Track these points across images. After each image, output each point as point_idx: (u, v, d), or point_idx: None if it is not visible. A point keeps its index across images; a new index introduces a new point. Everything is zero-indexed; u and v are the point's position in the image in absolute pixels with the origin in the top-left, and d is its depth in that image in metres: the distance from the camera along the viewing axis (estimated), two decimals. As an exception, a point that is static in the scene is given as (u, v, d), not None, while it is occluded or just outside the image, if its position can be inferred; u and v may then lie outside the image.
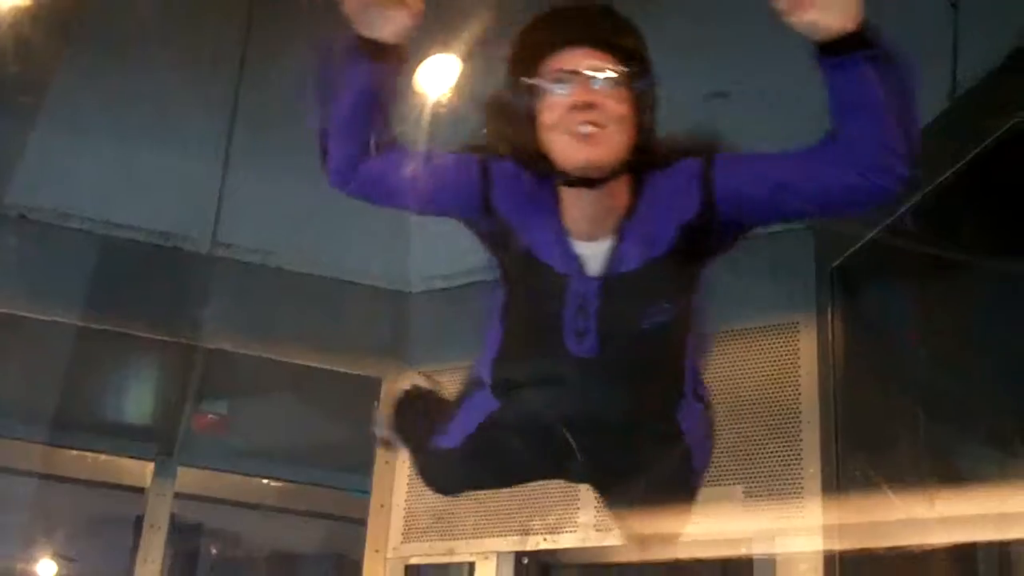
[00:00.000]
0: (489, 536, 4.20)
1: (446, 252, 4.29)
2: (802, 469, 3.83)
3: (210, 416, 5.15)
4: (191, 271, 4.63)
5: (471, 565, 4.23)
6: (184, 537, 5.96)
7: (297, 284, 4.71)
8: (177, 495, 5.40)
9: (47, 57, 3.78)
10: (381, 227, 4.04)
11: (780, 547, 3.76)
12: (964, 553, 3.65)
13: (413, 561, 4.37)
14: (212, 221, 4.52)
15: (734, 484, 3.94)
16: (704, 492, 3.82)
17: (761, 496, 3.87)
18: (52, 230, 4.63)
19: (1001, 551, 3.64)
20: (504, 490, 4.20)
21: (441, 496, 4.30)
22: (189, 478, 5.47)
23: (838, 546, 3.70)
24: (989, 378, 3.63)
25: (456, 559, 4.27)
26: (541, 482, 4.13)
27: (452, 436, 2.46)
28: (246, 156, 4.27)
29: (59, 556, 6.83)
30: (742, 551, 3.82)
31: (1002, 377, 3.56)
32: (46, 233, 4.63)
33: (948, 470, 3.75)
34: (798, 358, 3.92)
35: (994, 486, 3.70)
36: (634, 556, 4.04)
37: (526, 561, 4.14)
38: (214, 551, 6.32)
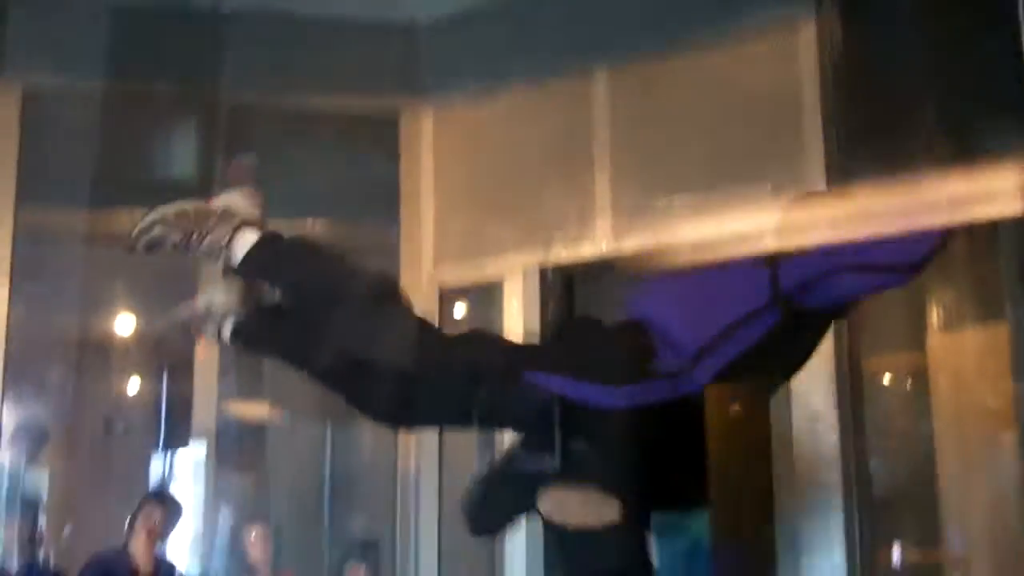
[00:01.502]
0: (514, 253, 4.35)
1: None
2: (806, 161, 3.88)
3: (241, 165, 5.27)
4: (203, 27, 4.67)
5: (500, 282, 4.39)
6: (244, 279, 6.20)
7: (306, 29, 4.73)
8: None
9: None
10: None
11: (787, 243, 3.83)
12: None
13: (446, 283, 4.54)
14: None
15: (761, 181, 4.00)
16: (728, 192, 3.96)
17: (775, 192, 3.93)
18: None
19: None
20: (526, 209, 4.35)
21: (467, 219, 4.50)
22: (238, 227, 5.67)
23: (844, 236, 3.78)
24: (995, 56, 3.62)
25: (485, 277, 4.43)
26: (560, 197, 4.29)
27: None
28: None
29: (134, 311, 7.18)
30: (756, 248, 3.90)
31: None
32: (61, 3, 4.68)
33: (954, 151, 3.80)
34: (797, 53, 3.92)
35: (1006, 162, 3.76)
36: (653, 264, 4.18)
37: (551, 274, 4.29)
38: (275, 293, 6.57)
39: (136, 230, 2.69)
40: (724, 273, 2.97)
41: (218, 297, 3.25)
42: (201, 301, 3.27)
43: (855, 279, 2.87)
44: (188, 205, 2.69)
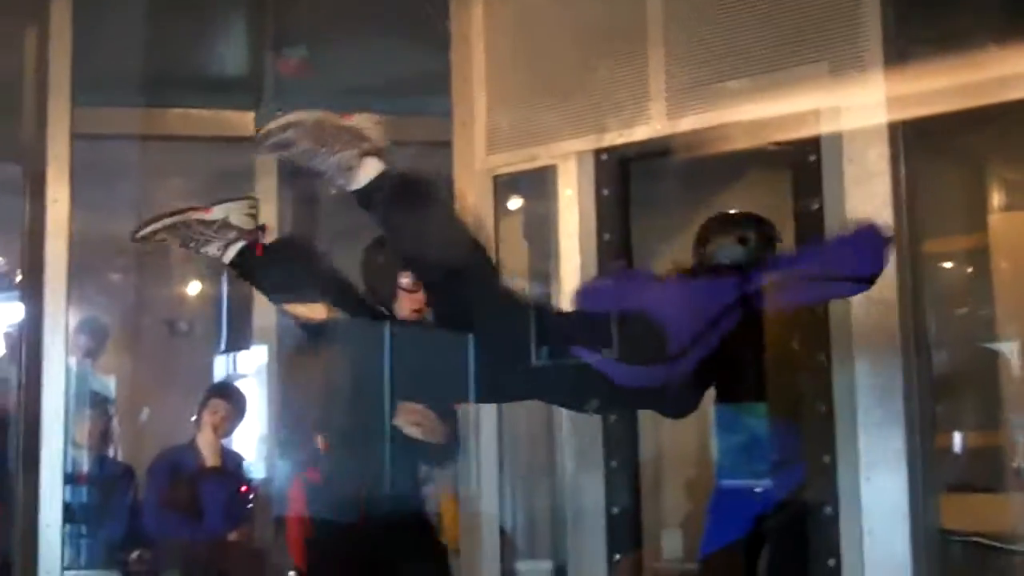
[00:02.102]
0: (567, 139, 4.31)
1: None
2: (863, 39, 3.80)
3: (293, 60, 5.29)
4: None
5: (554, 168, 4.36)
6: (299, 179, 6.24)
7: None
8: (281, 140, 5.63)
9: None
10: None
11: (847, 122, 3.79)
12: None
13: (500, 171, 4.52)
14: None
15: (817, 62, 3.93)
16: (784, 73, 3.90)
17: (831, 72, 3.87)
18: None
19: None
20: (578, 94, 4.31)
21: (519, 106, 4.46)
22: (291, 123, 5.68)
23: (903, 116, 3.73)
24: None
25: (539, 164, 4.40)
26: (613, 80, 4.24)
27: None
28: None
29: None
30: (810, 130, 3.86)
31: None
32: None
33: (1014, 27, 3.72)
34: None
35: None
36: (708, 146, 4.15)
37: (605, 158, 4.25)
38: (332, 190, 6.58)
39: (269, 127, 2.69)
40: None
41: (234, 216, 3.32)
42: (217, 212, 3.34)
43: (813, 288, 3.12)
44: (327, 117, 2.69)
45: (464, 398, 3.59)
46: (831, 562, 3.71)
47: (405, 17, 4.88)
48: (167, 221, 3.35)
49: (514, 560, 4.59)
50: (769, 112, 3.97)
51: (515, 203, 5.04)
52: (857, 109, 3.82)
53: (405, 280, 3.72)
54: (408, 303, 3.75)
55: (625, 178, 4.28)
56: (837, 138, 3.82)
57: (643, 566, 4.27)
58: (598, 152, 4.25)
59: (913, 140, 3.86)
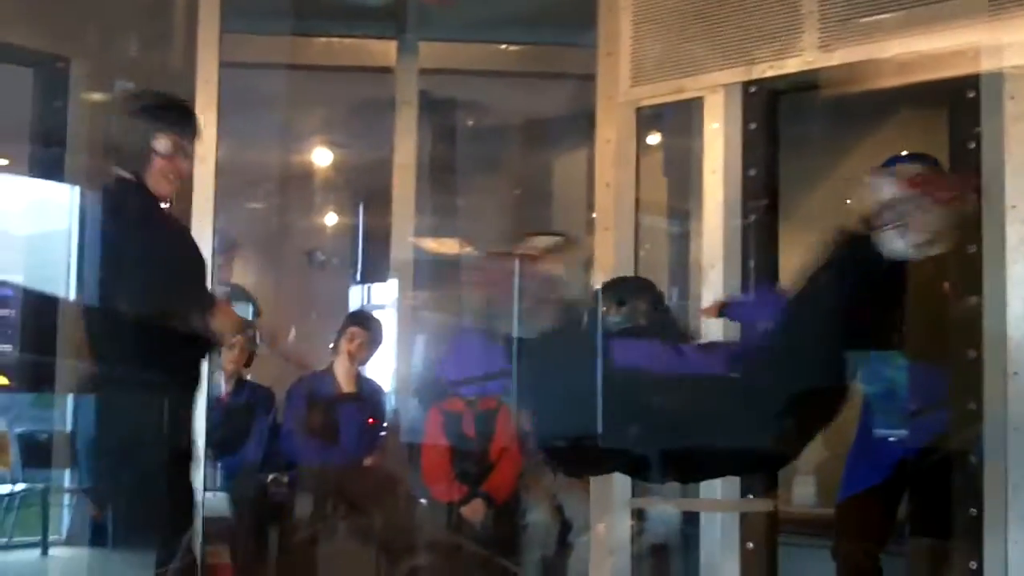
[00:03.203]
0: (715, 70, 4.22)
1: None
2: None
3: (437, -7, 5.27)
4: None
5: (700, 100, 4.28)
6: (439, 112, 6.26)
7: None
8: (423, 71, 5.65)
9: None
10: None
11: (1009, 59, 3.64)
12: None
13: (644, 103, 4.45)
14: None
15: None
16: (942, 7, 3.76)
17: (988, 7, 3.71)
18: None
19: None
20: (728, 23, 4.21)
21: (665, 36, 4.38)
22: (433, 53, 5.69)
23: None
24: None
25: (685, 96, 4.32)
26: (764, 9, 4.13)
27: None
28: None
29: (331, 144, 7.32)
30: (969, 67, 3.71)
31: None
32: None
33: None
34: None
35: None
36: (860, 81, 4.02)
37: (753, 90, 4.15)
38: (469, 123, 6.60)
39: None
40: None
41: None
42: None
43: None
44: None
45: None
46: (972, 511, 3.61)
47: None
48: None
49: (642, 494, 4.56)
50: (925, 47, 3.83)
51: (655, 138, 4.97)
52: (1019, 46, 3.66)
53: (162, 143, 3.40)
54: (160, 172, 3.42)
55: (773, 112, 4.18)
56: (998, 75, 3.67)
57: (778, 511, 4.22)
58: (746, 84, 4.15)
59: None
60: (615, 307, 3.57)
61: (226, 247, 5.63)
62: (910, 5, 3.86)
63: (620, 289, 3.72)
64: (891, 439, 4.03)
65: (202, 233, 4.47)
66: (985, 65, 3.71)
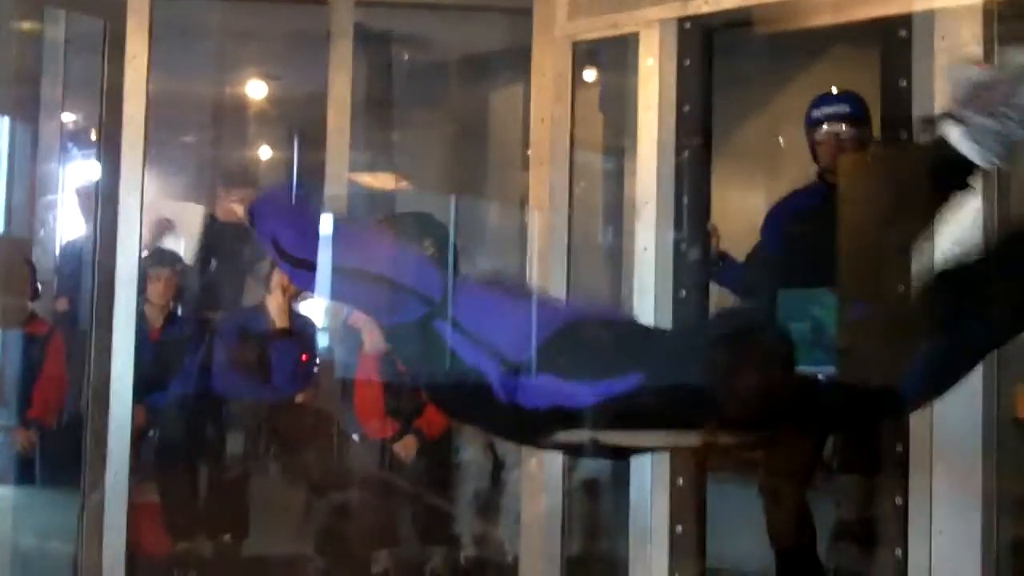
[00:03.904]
0: (650, 5, 4.18)
1: None
2: None
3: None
4: None
5: (635, 36, 4.25)
6: (375, 46, 6.17)
7: None
8: (358, 3, 5.56)
9: None
10: None
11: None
12: None
13: (580, 38, 4.42)
14: None
15: None
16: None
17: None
18: None
19: None
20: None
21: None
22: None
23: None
24: None
25: (620, 31, 4.29)
26: None
27: None
28: None
29: (266, 76, 7.23)
30: (902, 7, 3.72)
31: None
32: None
33: None
34: None
35: None
36: (796, 19, 4.02)
37: (688, 26, 4.12)
38: (405, 57, 6.53)
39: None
40: None
41: None
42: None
43: None
44: None
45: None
46: (899, 448, 3.67)
47: None
48: None
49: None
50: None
51: (591, 74, 4.94)
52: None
53: None
54: None
55: (708, 49, 4.15)
56: (929, 15, 3.69)
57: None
58: (681, 20, 4.12)
59: (1008, 17, 3.70)
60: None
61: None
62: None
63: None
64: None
65: (132, 166, 4.41)
66: (917, 5, 3.72)
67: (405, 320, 2.84)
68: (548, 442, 3.12)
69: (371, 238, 3.16)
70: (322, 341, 5.51)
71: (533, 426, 2.81)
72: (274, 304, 5.27)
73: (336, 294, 3.20)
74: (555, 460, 4.36)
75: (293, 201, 3.60)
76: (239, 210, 5.16)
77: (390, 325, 3.02)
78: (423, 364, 2.96)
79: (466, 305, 2.82)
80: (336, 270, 2.87)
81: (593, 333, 2.86)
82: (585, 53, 4.54)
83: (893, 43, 3.77)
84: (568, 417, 2.72)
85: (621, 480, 4.39)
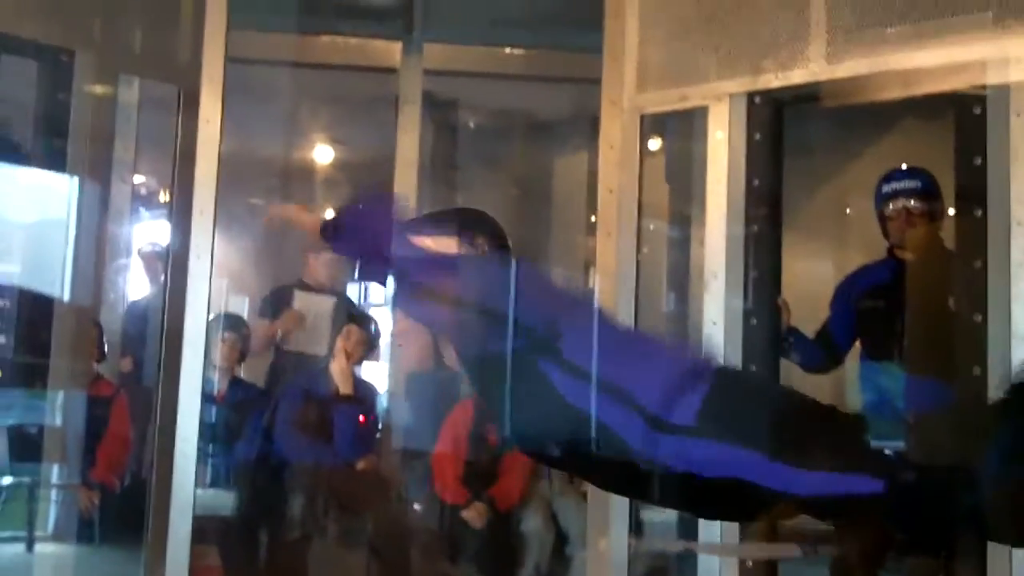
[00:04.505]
0: (720, 79, 4.19)
1: None
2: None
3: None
4: None
5: (704, 109, 4.25)
6: (442, 113, 6.25)
7: None
8: (427, 71, 5.64)
9: None
10: None
11: (1016, 74, 3.62)
12: None
13: (649, 110, 4.42)
14: None
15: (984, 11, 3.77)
16: (948, 21, 3.74)
17: (997, 21, 3.70)
18: None
19: None
20: (735, 32, 4.18)
21: (672, 42, 4.35)
22: (438, 54, 5.68)
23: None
24: None
25: (689, 104, 4.29)
26: (772, 19, 4.10)
27: None
28: None
29: (333, 141, 7.31)
30: (975, 80, 3.69)
31: None
32: None
33: None
34: None
35: None
36: (866, 93, 4.00)
37: (758, 100, 4.12)
38: (472, 124, 6.60)
39: None
40: None
41: None
42: None
43: None
44: None
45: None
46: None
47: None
48: None
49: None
50: (931, 61, 3.82)
51: (657, 143, 4.94)
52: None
53: None
54: None
55: (778, 122, 4.15)
56: (1004, 90, 3.66)
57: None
58: (751, 95, 4.12)
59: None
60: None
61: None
62: (917, 18, 3.84)
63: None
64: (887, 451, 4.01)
65: (202, 227, 4.45)
66: (991, 79, 3.70)
67: (493, 351, 2.47)
68: (708, 511, 2.87)
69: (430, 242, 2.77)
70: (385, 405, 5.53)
71: (685, 491, 2.46)
72: (337, 369, 5.29)
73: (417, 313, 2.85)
74: (621, 539, 4.31)
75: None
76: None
77: (471, 355, 2.61)
78: (523, 411, 2.51)
79: (581, 341, 2.42)
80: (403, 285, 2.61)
81: (774, 400, 2.62)
82: (652, 123, 4.53)
83: (967, 119, 3.74)
84: (748, 494, 2.38)
85: (687, 564, 4.32)
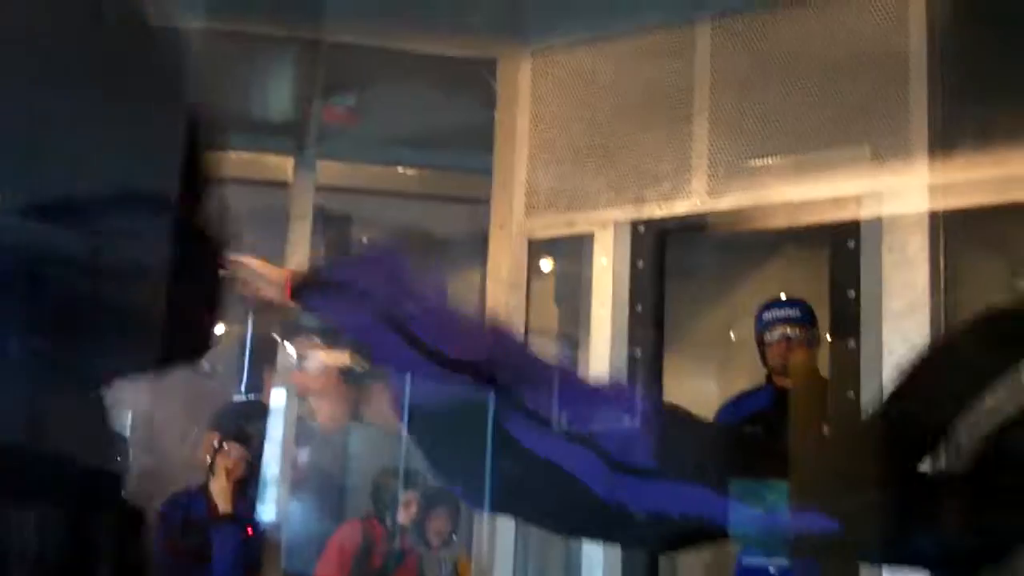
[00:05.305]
0: (606, 207, 4.28)
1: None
2: (909, 126, 3.77)
3: (339, 108, 5.28)
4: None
5: (590, 236, 4.32)
6: (335, 228, 6.23)
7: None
8: (319, 188, 5.64)
9: None
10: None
11: (888, 208, 3.75)
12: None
13: (536, 235, 4.49)
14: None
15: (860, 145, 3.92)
16: (827, 154, 3.87)
17: (874, 156, 3.85)
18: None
19: None
20: (620, 162, 4.28)
21: (561, 170, 4.43)
22: (330, 171, 5.69)
23: (944, 205, 3.69)
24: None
25: (575, 231, 4.37)
26: (656, 151, 4.21)
27: None
28: None
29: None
30: (850, 214, 3.82)
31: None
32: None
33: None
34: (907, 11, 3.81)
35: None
36: (747, 223, 4.11)
37: (642, 229, 4.21)
38: (364, 240, 6.59)
39: None
40: None
41: None
42: None
43: None
44: None
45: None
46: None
47: (451, 72, 4.86)
48: None
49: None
50: (810, 194, 3.94)
51: (547, 265, 5.00)
52: (899, 195, 3.78)
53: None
54: None
55: (661, 251, 4.25)
56: (877, 224, 3.78)
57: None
58: (635, 223, 4.22)
59: (954, 230, 3.81)
60: None
61: None
62: (796, 151, 3.97)
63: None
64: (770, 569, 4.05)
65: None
66: (865, 213, 3.82)
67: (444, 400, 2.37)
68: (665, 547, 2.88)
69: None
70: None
71: (647, 532, 2.45)
72: (217, 487, 5.11)
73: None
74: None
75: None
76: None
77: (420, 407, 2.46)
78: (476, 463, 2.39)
79: (543, 390, 2.37)
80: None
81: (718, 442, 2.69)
82: (544, 244, 4.60)
83: (841, 252, 3.85)
84: (706, 530, 2.44)
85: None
